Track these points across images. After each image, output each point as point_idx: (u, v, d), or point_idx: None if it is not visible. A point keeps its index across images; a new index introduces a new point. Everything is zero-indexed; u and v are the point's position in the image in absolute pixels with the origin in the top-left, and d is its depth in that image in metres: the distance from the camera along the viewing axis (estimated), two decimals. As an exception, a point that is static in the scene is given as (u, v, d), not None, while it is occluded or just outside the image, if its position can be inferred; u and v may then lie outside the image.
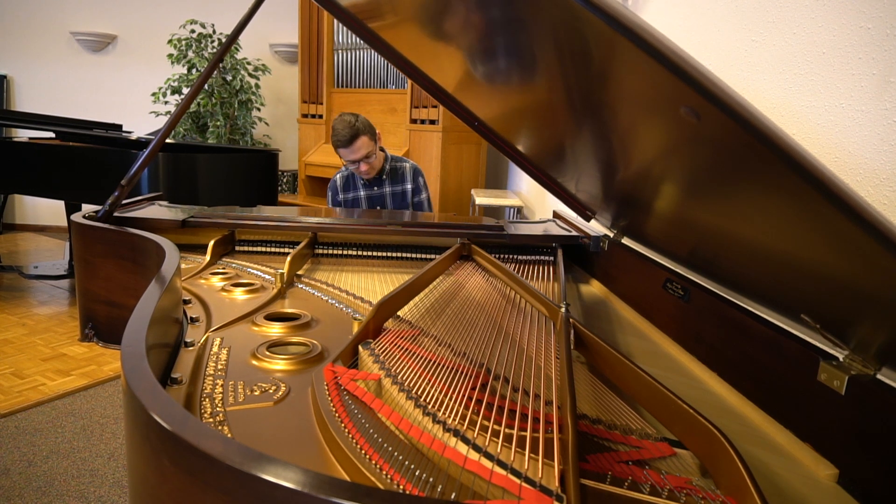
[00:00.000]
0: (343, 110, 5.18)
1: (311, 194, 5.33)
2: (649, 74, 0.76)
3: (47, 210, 6.14)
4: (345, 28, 4.98)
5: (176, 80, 5.49)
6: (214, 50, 5.53)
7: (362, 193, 2.86)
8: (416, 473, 0.71)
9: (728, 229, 1.04)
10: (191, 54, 5.48)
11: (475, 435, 0.78)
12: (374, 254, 1.90)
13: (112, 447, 2.49)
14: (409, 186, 2.86)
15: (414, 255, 1.91)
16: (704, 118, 0.74)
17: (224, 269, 1.68)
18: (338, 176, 2.90)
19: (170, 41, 5.44)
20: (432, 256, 1.85)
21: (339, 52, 5.10)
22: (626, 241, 1.70)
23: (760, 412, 1.02)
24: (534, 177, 1.86)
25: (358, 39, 4.83)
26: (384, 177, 2.83)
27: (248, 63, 5.66)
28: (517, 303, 1.40)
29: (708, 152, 0.87)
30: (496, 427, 0.80)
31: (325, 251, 1.91)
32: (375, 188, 2.85)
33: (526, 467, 0.73)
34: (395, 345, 1.08)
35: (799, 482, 0.85)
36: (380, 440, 0.77)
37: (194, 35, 5.50)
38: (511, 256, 1.88)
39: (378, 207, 2.86)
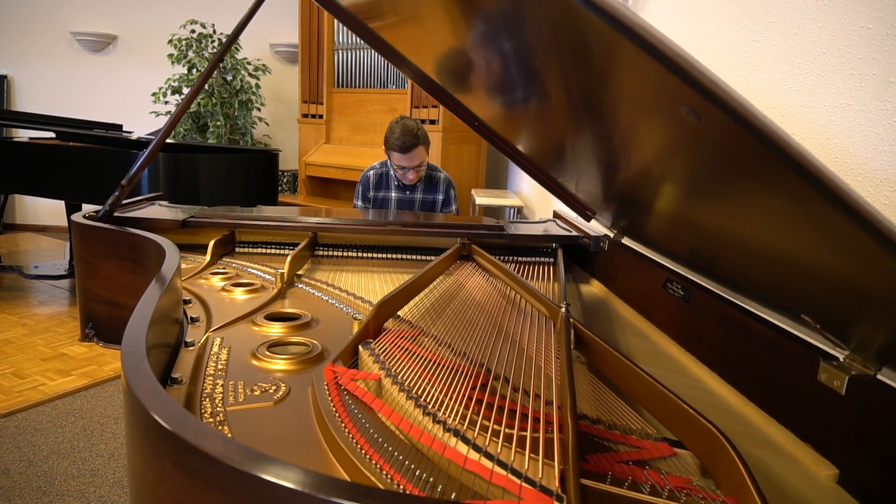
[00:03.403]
0: (343, 110, 5.21)
1: (311, 194, 5.33)
2: (650, 74, 0.76)
3: (47, 210, 6.14)
4: (345, 28, 4.98)
5: (176, 80, 5.49)
6: (214, 50, 5.53)
7: (393, 195, 2.84)
8: (417, 473, 0.71)
9: (728, 229, 1.04)
10: (191, 54, 5.48)
11: (475, 435, 0.78)
12: (375, 254, 1.90)
13: (112, 447, 2.49)
14: (440, 197, 2.85)
15: (414, 256, 1.91)
16: (705, 118, 0.74)
17: (224, 269, 1.68)
18: (371, 172, 2.86)
19: (170, 41, 5.44)
20: (432, 257, 1.85)
21: (339, 52, 5.10)
22: (626, 241, 1.70)
23: (760, 412, 1.02)
24: (534, 177, 1.86)
25: (358, 39, 4.83)
26: (419, 183, 2.81)
27: (249, 63, 5.66)
28: (517, 303, 1.40)
29: (708, 152, 0.87)
30: (496, 427, 0.80)
31: (326, 251, 1.91)
32: (408, 192, 2.82)
33: (526, 467, 0.73)
34: (396, 345, 1.08)
35: (799, 482, 0.85)
36: (380, 440, 0.77)
37: (194, 35, 5.50)
38: (511, 257, 1.88)
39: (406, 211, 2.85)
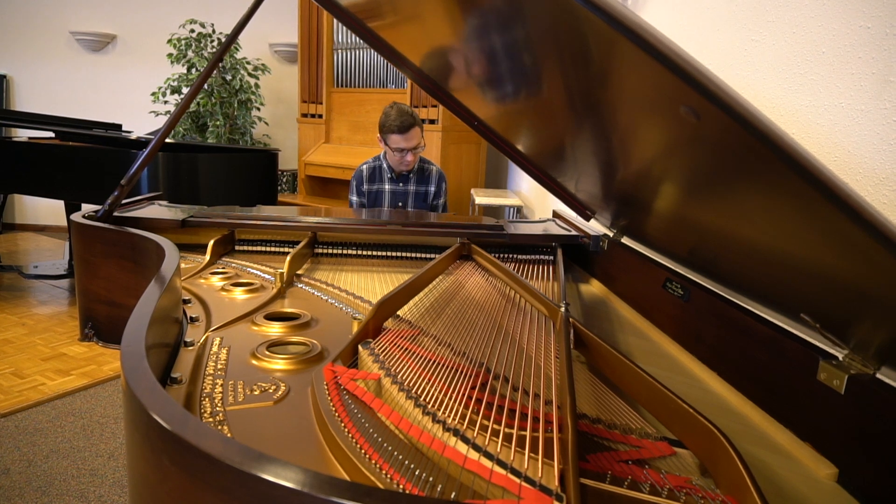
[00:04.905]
0: (343, 110, 5.21)
1: (310, 194, 5.33)
2: (649, 74, 0.76)
3: (47, 210, 6.14)
4: (344, 28, 4.98)
5: (175, 79, 5.48)
6: (214, 49, 5.53)
7: (387, 187, 2.86)
8: (416, 473, 0.71)
9: (728, 229, 1.04)
10: (190, 54, 5.48)
11: (475, 434, 0.78)
12: (374, 253, 1.90)
13: (112, 447, 2.49)
14: (432, 188, 2.89)
15: (414, 255, 1.91)
16: (704, 118, 0.74)
17: (224, 268, 1.68)
18: (364, 167, 2.90)
19: (169, 41, 5.44)
20: (432, 256, 1.85)
21: (339, 51, 5.10)
22: (625, 240, 1.70)
23: (760, 412, 1.03)
24: (534, 176, 1.86)
25: (358, 39, 4.82)
26: (411, 174, 2.85)
27: (248, 63, 5.66)
28: (517, 302, 1.40)
29: (708, 152, 0.87)
30: (496, 426, 0.80)
31: (325, 251, 1.91)
32: (401, 184, 2.86)
33: (526, 467, 0.73)
34: (395, 344, 1.08)
35: (799, 482, 0.85)
36: (379, 440, 0.77)
37: (194, 35, 5.50)
38: (511, 256, 1.88)
39: (400, 203, 2.87)
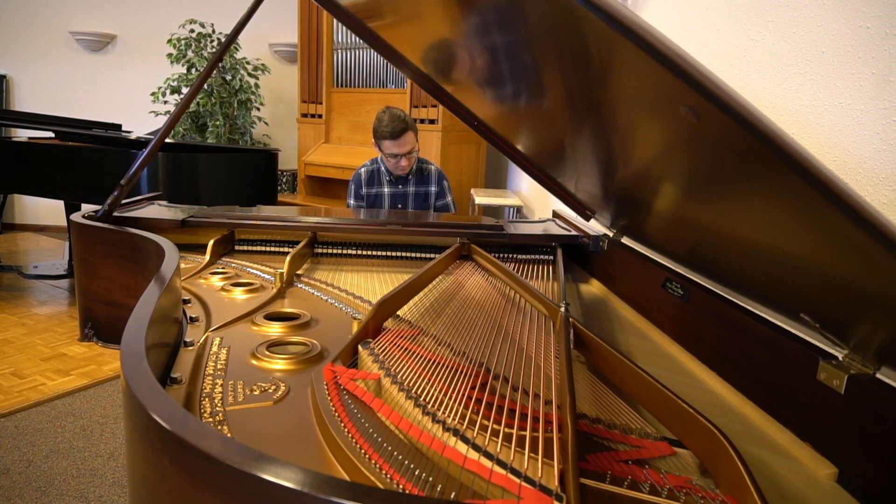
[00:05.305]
0: (343, 110, 5.20)
1: (310, 194, 5.33)
2: (649, 74, 0.76)
3: (47, 210, 6.14)
4: (345, 28, 4.98)
5: (175, 79, 5.48)
6: (214, 49, 5.53)
7: (386, 190, 2.85)
8: (416, 473, 0.71)
9: (728, 229, 1.04)
10: (190, 54, 5.48)
11: (475, 434, 0.78)
12: (374, 253, 1.90)
13: (112, 447, 2.49)
14: (433, 189, 2.87)
15: (414, 255, 1.91)
16: (704, 118, 0.74)
17: (224, 268, 1.68)
18: (362, 170, 2.89)
19: (169, 41, 5.44)
20: (432, 256, 1.85)
21: (339, 51, 5.10)
22: (625, 240, 1.70)
23: (760, 412, 1.03)
24: (533, 176, 1.86)
25: (357, 39, 4.82)
26: (410, 176, 2.84)
27: (248, 63, 5.66)
28: (517, 302, 1.40)
29: (708, 152, 0.87)
30: (496, 426, 0.80)
31: (325, 251, 1.91)
32: (400, 186, 2.85)
33: (525, 467, 0.73)
34: (395, 344, 1.08)
35: (799, 481, 0.85)
36: (379, 440, 0.77)
37: (194, 35, 5.50)
38: (511, 256, 1.88)
39: (399, 205, 2.86)
